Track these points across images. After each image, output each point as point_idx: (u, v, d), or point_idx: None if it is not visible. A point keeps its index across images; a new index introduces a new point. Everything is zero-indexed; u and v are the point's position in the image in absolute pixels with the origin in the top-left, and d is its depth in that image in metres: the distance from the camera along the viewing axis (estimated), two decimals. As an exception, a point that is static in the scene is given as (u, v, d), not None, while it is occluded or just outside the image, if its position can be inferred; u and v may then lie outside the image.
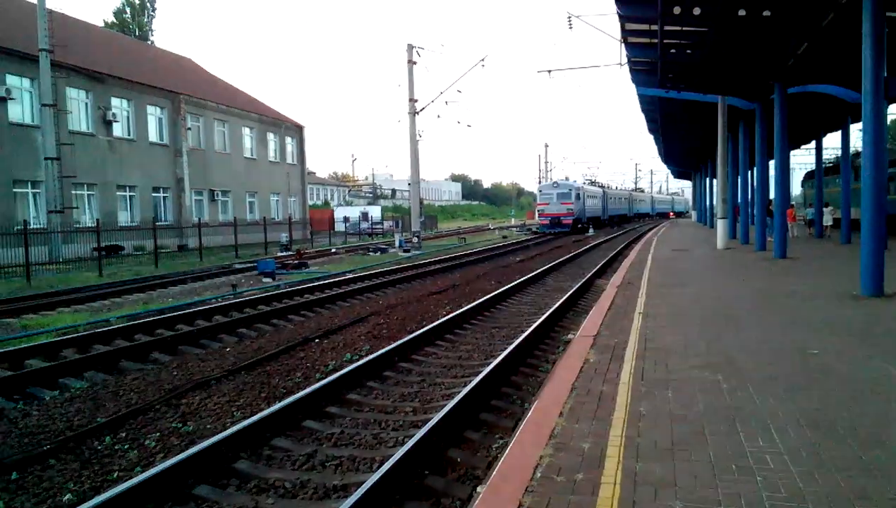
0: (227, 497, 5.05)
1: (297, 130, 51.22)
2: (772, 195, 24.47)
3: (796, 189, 55.51)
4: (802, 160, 56.36)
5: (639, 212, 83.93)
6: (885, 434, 4.64)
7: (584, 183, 57.66)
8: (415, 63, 33.60)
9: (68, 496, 5.16)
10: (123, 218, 34.14)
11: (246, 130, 45.09)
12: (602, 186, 64.60)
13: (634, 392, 5.87)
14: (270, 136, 47.88)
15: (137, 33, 63.34)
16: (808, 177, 43.07)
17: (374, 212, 60.00)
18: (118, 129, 33.99)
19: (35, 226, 26.43)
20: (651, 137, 46.69)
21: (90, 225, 28.55)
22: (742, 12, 14.13)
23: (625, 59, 20.71)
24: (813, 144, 32.93)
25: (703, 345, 7.69)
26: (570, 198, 48.67)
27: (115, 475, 5.54)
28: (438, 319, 11.72)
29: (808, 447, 4.45)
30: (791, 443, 4.53)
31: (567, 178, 62.98)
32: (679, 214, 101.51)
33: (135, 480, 4.90)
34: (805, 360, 6.85)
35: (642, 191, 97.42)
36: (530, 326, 10.67)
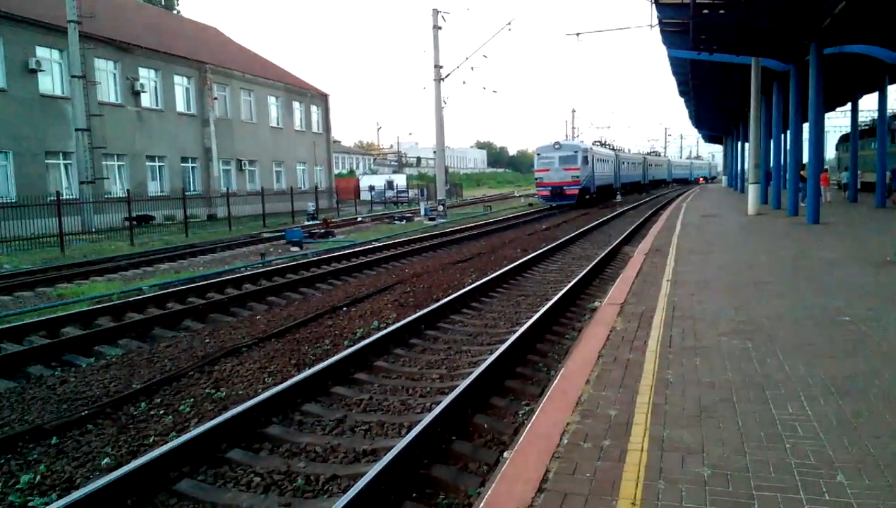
0: (260, 461, 5.16)
1: (322, 99, 51.13)
2: (805, 159, 23.91)
3: (830, 152, 54.13)
4: (837, 123, 54.79)
5: (654, 178, 73.29)
6: (919, 403, 4.57)
7: (595, 144, 49.14)
8: (440, 28, 33.22)
9: (106, 460, 5.32)
10: (153, 188, 34.57)
11: (272, 99, 45.13)
12: (614, 149, 56.01)
13: (662, 359, 5.85)
14: (296, 105, 47.88)
15: (163, 3, 63.35)
16: (843, 140, 42.00)
17: (400, 180, 59.92)
18: (146, 100, 34.26)
19: (67, 197, 26.92)
20: (682, 101, 45.65)
21: (121, 195, 29.00)
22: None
23: (655, 21, 20.20)
24: (848, 106, 32.03)
25: (732, 312, 7.61)
26: (576, 162, 38.92)
27: (151, 439, 5.69)
28: (464, 287, 11.74)
29: (838, 414, 4.41)
30: (821, 411, 4.49)
31: (579, 139, 55.39)
32: (704, 180, 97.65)
33: (170, 444, 5.03)
34: (837, 327, 6.75)
35: (658, 155, 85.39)
36: (556, 294, 10.64)
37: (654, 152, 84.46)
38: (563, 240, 19.37)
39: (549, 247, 17.54)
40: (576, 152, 39.60)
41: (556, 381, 5.57)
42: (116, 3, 37.90)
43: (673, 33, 21.08)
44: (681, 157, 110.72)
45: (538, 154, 40.90)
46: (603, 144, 53.82)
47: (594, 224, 25.37)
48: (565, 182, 38.61)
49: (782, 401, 4.71)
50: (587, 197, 41.05)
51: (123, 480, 4.50)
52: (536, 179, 41.33)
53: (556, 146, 40.04)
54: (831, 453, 3.84)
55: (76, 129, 28.14)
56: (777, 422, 4.33)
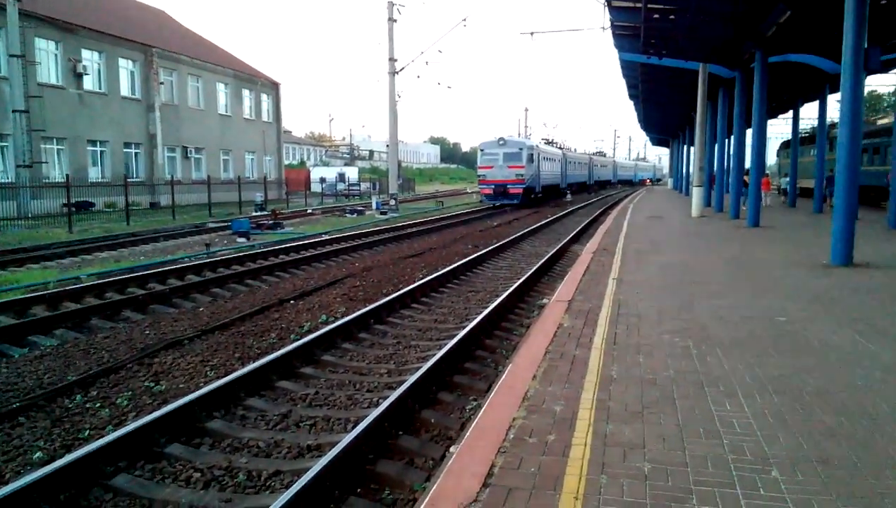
0: (200, 457, 5.04)
1: (273, 87, 50.27)
2: (748, 164, 24.67)
3: (772, 158, 55.97)
4: (779, 130, 56.76)
5: (600, 179, 71.50)
6: (850, 400, 4.76)
7: (541, 142, 47.28)
8: (395, 21, 32.98)
9: (38, 454, 5.13)
10: (94, 173, 33.38)
11: (220, 86, 44.13)
12: (562, 148, 53.87)
13: (607, 356, 5.95)
14: (246, 93, 46.95)
15: (108, -17, 61.19)
16: (784, 146, 43.46)
17: (352, 173, 59.38)
18: (89, 82, 33.05)
19: (2, 181, 25.83)
20: (631, 103, 46.53)
21: (60, 180, 27.93)
22: (726, -22, 14.04)
23: (608, 23, 20.54)
24: (790, 114, 33.16)
25: (674, 311, 7.79)
26: (521, 159, 36.77)
27: (87, 433, 5.51)
28: (414, 282, 11.72)
29: (773, 411, 4.55)
30: (757, 408, 4.62)
31: (531, 137, 53.36)
32: (650, 182, 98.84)
33: (106, 438, 4.88)
34: (774, 327, 6.97)
35: (604, 155, 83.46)
36: (506, 290, 10.72)
37: (599, 152, 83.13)
38: (513, 236, 19.52)
39: (500, 243, 17.65)
40: (521, 149, 37.42)
41: (503, 377, 5.60)
42: (59, -19, 36.46)
43: (625, 36, 21.47)
44: (628, 159, 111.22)
45: (481, 150, 38.77)
46: (550, 143, 52.33)
47: (544, 222, 25.65)
48: (509, 180, 36.60)
49: (721, 398, 4.83)
50: (532, 196, 39.41)
51: (56, 475, 4.35)
52: (479, 176, 39.19)
53: (501, 142, 37.72)
54: (766, 449, 3.96)
55: (13, 111, 27.04)
56: (715, 418, 4.45)
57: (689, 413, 4.56)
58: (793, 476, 3.61)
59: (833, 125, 28.91)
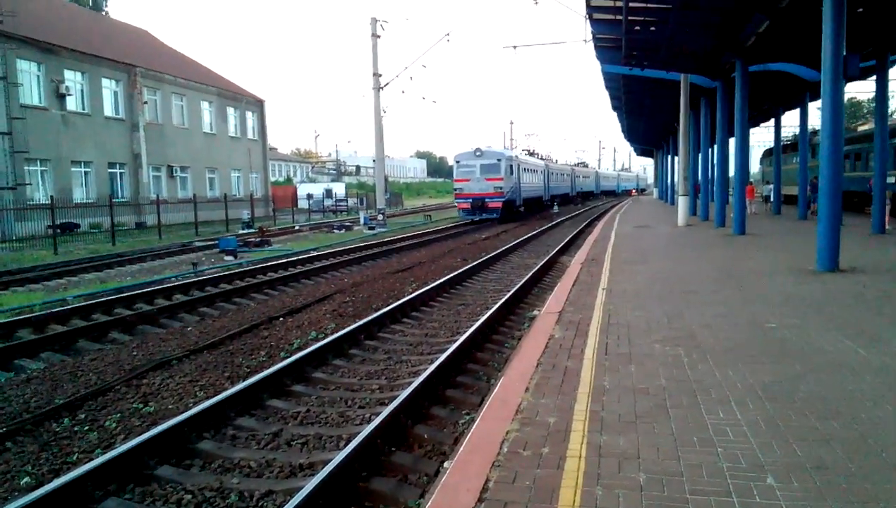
0: (191, 478, 4.98)
1: (257, 105, 50.25)
2: (731, 172, 24.88)
3: (755, 166, 56.53)
4: (762, 138, 57.33)
5: (582, 190, 69.08)
6: (841, 405, 4.77)
7: (522, 153, 45.48)
8: (379, 37, 33.13)
9: (26, 479, 5.04)
10: (79, 194, 33.14)
11: (205, 104, 44.07)
12: (544, 159, 51.83)
13: (598, 367, 5.94)
14: (230, 111, 46.90)
15: (91, 4, 61.13)
16: (767, 154, 43.89)
17: (338, 189, 59.38)
18: (72, 103, 32.88)
19: (-15, 203, 25.56)
20: (615, 115, 46.87)
21: (44, 201, 27.70)
22: (705, -10, 14.21)
23: (590, 36, 20.73)
24: (772, 122, 33.53)
25: (664, 321, 7.81)
26: (499, 171, 34.56)
27: (75, 457, 5.42)
28: (404, 297, 11.69)
29: (766, 418, 4.56)
30: (750, 415, 4.63)
31: (515, 148, 51.70)
32: (636, 192, 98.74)
33: (95, 462, 4.80)
34: (763, 334, 7.00)
35: (586, 166, 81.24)
36: (496, 303, 10.71)
37: (581, 163, 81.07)
38: (502, 249, 19.54)
39: (489, 256, 17.67)
40: (499, 160, 35.01)
41: (495, 390, 5.58)
42: (41, 3, 36.37)
43: (606, 49, 21.66)
44: (613, 169, 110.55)
45: (457, 161, 36.22)
46: (532, 154, 50.58)
47: (532, 234, 25.71)
48: (487, 193, 34.27)
49: (714, 406, 4.84)
50: (514, 210, 37.25)
51: (43, 500, 4.27)
52: (455, 190, 36.38)
53: (478, 153, 35.26)
54: (761, 456, 3.96)
55: (-5, 132, 26.78)
56: (709, 427, 4.44)
57: (682, 421, 4.55)
58: (788, 483, 3.61)
59: (815, 132, 29.28)
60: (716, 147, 25.82)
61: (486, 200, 34.19)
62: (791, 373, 5.57)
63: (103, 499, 4.60)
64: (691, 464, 3.88)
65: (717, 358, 6.07)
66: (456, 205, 37.41)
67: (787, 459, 3.91)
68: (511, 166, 35.91)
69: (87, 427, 6.06)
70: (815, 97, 24.52)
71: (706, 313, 8.17)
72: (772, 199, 32.02)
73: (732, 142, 22.02)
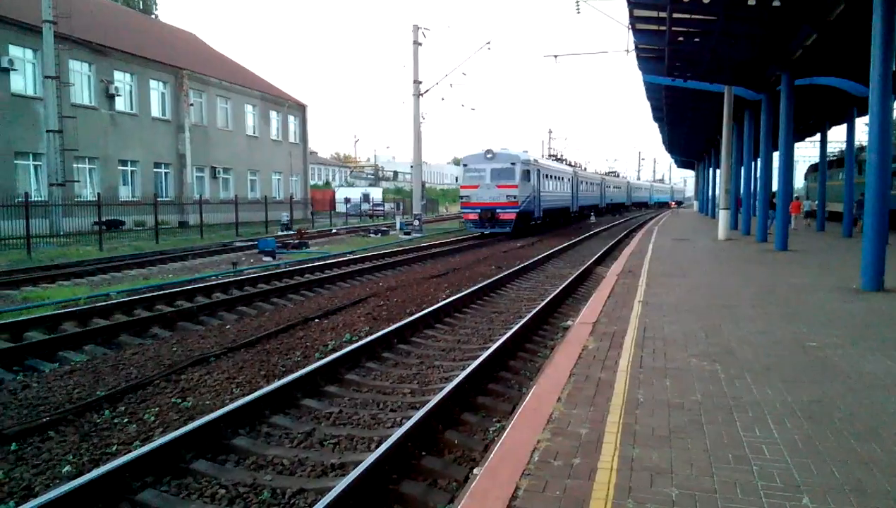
0: (225, 473, 5.07)
1: (299, 109, 50.99)
2: (774, 187, 24.41)
3: (799, 181, 55.35)
4: (806, 152, 56.06)
5: (612, 201, 63.17)
6: (882, 427, 4.66)
7: (547, 158, 40.84)
8: (420, 44, 33.38)
9: (67, 467, 5.19)
10: (124, 192, 34.08)
11: (248, 107, 44.89)
12: (573, 165, 46.83)
13: (633, 379, 5.89)
14: (273, 115, 47.67)
15: (142, 7, 62.80)
16: (812, 169, 42.97)
17: (376, 193, 59.96)
18: (120, 103, 33.85)
19: (36, 199, 26.42)
20: (656, 126, 46.37)
21: (91, 199, 28.54)
22: (752, 1, 14.03)
23: (632, 46, 20.63)
24: (818, 137, 32.82)
25: (702, 335, 7.70)
26: (513, 177, 29.66)
27: (114, 448, 5.57)
28: (438, 302, 11.73)
29: (804, 438, 4.47)
30: (788, 434, 4.54)
31: (551, 156, 47.14)
32: (675, 204, 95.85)
33: (134, 454, 4.93)
34: (804, 352, 6.86)
35: (616, 176, 74.41)
36: (529, 312, 10.69)
37: (612, 172, 74.90)
38: (537, 258, 19.48)
39: (523, 264, 17.63)
40: (513, 164, 29.88)
41: (527, 399, 5.57)
42: (93, 5, 37.47)
43: (649, 59, 21.49)
44: (649, 180, 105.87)
45: (464, 164, 31.37)
46: (560, 159, 45.91)
47: (568, 244, 25.56)
48: (498, 203, 29.37)
49: (750, 423, 4.76)
50: (532, 223, 32.63)
51: (84, 489, 4.39)
52: (462, 198, 31.54)
53: (488, 155, 30.26)
54: (797, 476, 3.89)
55: (47, 131, 27.66)
56: (744, 444, 4.38)
57: (717, 438, 4.49)
58: (825, 505, 3.53)
59: (861, 148, 28.57)
60: (759, 160, 25.35)
61: (497, 211, 29.39)
62: (831, 393, 5.45)
63: (140, 490, 4.71)
64: (725, 481, 3.83)
65: (755, 376, 5.97)
66: (462, 215, 32.81)
67: (825, 480, 3.83)
68: (528, 172, 31.04)
69: (126, 420, 6.22)
70: (862, 112, 24.00)
71: (745, 329, 8.03)
72: (815, 215, 31.31)
73: (776, 156, 21.66)
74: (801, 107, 22.10)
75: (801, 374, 6.03)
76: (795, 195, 26.97)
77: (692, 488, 3.75)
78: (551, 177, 36.59)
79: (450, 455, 5.43)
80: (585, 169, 54.91)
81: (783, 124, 18.54)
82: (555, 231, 35.33)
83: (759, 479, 3.85)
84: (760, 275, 13.56)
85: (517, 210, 29.47)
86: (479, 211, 29.71)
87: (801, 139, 38.66)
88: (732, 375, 5.99)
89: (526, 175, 30.74)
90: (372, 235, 31.83)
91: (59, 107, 27.89)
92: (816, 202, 31.55)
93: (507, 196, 29.36)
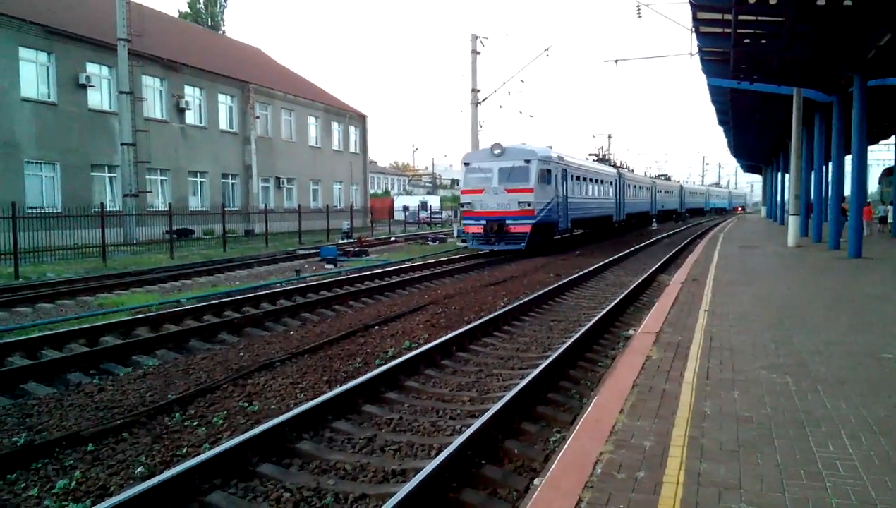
0: (290, 477, 5.18)
1: (360, 120, 51.83)
2: (847, 192, 23.46)
3: (873, 186, 52.98)
4: (880, 156, 53.60)
5: (664, 207, 55.67)
6: (968, 446, 4.41)
7: (590, 159, 34.60)
8: (478, 53, 33.50)
9: (140, 468, 5.39)
10: (194, 202, 35.32)
11: (311, 119, 45.91)
12: (617, 166, 40.09)
13: (699, 391, 5.75)
14: (335, 126, 48.62)
15: (210, 23, 65.03)
16: (886, 173, 41.12)
17: (434, 201, 60.32)
18: (190, 117, 35.15)
19: (111, 209, 27.67)
20: (720, 130, 45.18)
21: (162, 208, 29.65)
22: (822, 1, 13.54)
23: (695, 49, 20.13)
24: (892, 140, 31.41)
25: (771, 346, 7.46)
26: (528, 178, 23.21)
27: (185, 450, 5.76)
28: (496, 310, 11.71)
29: (881, 454, 4.28)
30: (863, 450, 4.36)
31: (612, 162, 40.81)
32: (741, 210, 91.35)
33: (203, 456, 5.08)
34: (879, 365, 6.56)
35: (668, 180, 66.49)
36: (590, 320, 10.55)
37: (663, 176, 67.44)
38: (595, 265, 19.21)
39: (582, 272, 17.42)
40: (528, 162, 23.42)
41: (589, 409, 5.51)
42: (164, 23, 39.10)
43: (713, 62, 20.96)
44: (705, 184, 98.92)
45: (466, 164, 25.26)
46: (603, 159, 39.58)
47: (628, 251, 25.13)
48: (508, 212, 23.13)
49: (823, 438, 4.58)
50: (555, 238, 26.64)
51: (156, 489, 4.55)
52: (463, 206, 25.31)
53: (496, 151, 23.76)
54: (874, 494, 3.72)
55: (122, 144, 28.89)
56: (817, 460, 4.22)
57: (788, 453, 4.34)
58: (905, 526, 3.38)
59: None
60: (830, 165, 24.41)
61: (507, 222, 23.12)
62: (911, 409, 5.20)
63: (209, 492, 4.85)
64: (797, 498, 3.70)
65: (828, 388, 5.74)
66: (463, 226, 26.40)
67: (905, 500, 3.65)
68: (547, 171, 24.26)
69: (196, 423, 6.42)
70: (942, 113, 22.84)
71: (817, 340, 7.74)
72: (890, 221, 29.91)
73: (848, 159, 20.83)
74: (874, 108, 21.18)
75: (876, 388, 5.77)
76: (868, 200, 25.81)
77: (762, 505, 3.63)
78: (585, 179, 29.84)
79: (510, 465, 5.41)
80: (633, 170, 47.69)
81: (855, 127, 17.83)
82: (589, 246, 29.37)
83: (833, 496, 3.71)
84: (832, 284, 13.04)
85: (533, 221, 23.14)
86: (483, 222, 23.55)
87: (875, 142, 37.05)
88: (804, 388, 5.78)
89: (545, 176, 24.02)
90: (430, 243, 32.02)
91: (132, 121, 29.12)
92: (890, 207, 30.15)
93: (519, 203, 23.08)
